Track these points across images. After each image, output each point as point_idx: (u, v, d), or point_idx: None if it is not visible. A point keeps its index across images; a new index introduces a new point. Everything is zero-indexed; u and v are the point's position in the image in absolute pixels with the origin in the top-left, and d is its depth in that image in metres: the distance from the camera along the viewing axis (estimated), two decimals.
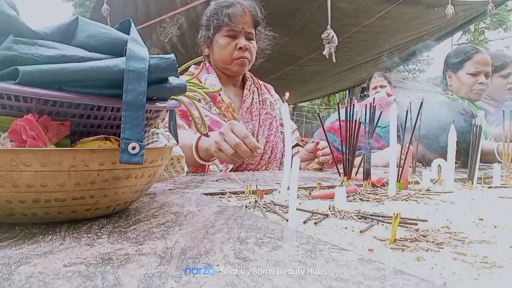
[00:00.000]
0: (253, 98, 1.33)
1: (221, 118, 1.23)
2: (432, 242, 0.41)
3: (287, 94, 0.72)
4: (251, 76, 1.39)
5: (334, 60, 2.54)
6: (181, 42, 3.65)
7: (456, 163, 0.85)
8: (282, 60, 4.46)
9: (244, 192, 0.70)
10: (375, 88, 2.75)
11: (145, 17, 3.28)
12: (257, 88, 1.38)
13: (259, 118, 1.31)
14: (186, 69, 1.12)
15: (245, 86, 1.34)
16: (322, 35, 2.53)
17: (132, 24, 0.50)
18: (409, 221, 0.49)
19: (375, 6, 3.53)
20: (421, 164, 1.24)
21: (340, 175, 0.88)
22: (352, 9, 3.47)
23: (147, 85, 0.44)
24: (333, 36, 2.48)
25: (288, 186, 0.63)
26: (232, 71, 1.25)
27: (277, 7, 3.22)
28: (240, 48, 1.20)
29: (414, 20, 3.89)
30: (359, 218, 0.52)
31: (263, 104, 1.36)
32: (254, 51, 1.25)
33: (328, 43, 2.48)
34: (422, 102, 0.92)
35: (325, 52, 2.53)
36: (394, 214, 0.41)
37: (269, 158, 1.32)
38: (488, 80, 1.75)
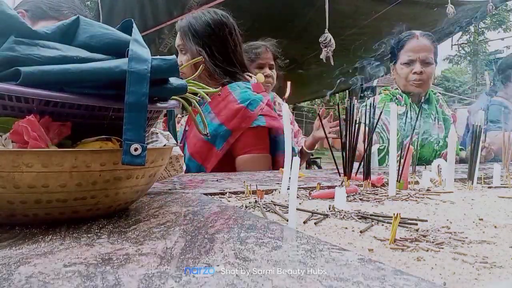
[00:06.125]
0: None
1: None
2: (432, 242, 0.41)
3: (287, 92, 0.75)
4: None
5: (332, 63, 2.54)
6: None
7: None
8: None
9: (244, 192, 0.70)
10: None
11: (143, 30, 3.29)
12: (274, 104, 1.70)
13: None
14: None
15: None
16: (320, 39, 2.54)
17: (134, 25, 0.50)
18: (409, 221, 0.49)
19: (374, 7, 3.53)
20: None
21: (340, 175, 0.88)
22: (351, 11, 3.47)
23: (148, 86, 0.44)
24: (330, 40, 2.49)
25: (288, 186, 0.63)
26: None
27: (277, 11, 3.23)
28: (266, 75, 1.63)
29: (413, 21, 3.89)
30: (359, 218, 0.52)
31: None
32: (275, 76, 1.72)
33: (326, 47, 2.49)
34: (421, 102, 0.92)
35: (322, 56, 2.54)
36: (394, 214, 0.41)
37: None
38: (430, 68, 1.51)
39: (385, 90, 1.65)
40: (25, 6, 1.09)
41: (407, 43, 1.54)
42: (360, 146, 0.80)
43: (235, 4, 3.25)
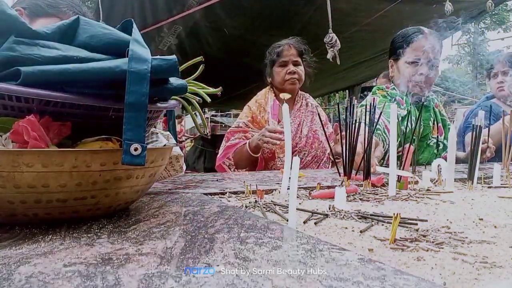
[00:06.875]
0: (301, 110, 1.72)
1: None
2: (432, 242, 0.41)
3: (287, 95, 0.77)
4: (303, 97, 1.76)
5: (338, 62, 2.53)
6: (180, 50, 3.67)
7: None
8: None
9: (244, 192, 0.70)
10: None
11: (142, 28, 3.29)
12: (306, 105, 1.75)
13: (302, 116, 1.71)
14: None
15: (294, 102, 1.73)
16: (325, 39, 2.53)
17: (134, 25, 0.50)
18: (409, 221, 0.49)
19: (374, 5, 3.53)
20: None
21: (340, 175, 0.88)
22: (351, 9, 3.46)
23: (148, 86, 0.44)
24: (336, 40, 2.49)
25: (288, 186, 0.63)
26: (286, 89, 1.65)
27: (276, 11, 3.22)
28: (290, 72, 1.63)
29: (413, 18, 3.90)
30: (359, 218, 0.52)
31: (306, 107, 1.76)
32: (302, 73, 1.65)
33: (332, 47, 2.48)
34: (422, 103, 0.92)
35: (329, 56, 2.53)
36: (394, 214, 0.41)
37: (316, 151, 1.63)
38: (436, 70, 1.39)
39: (379, 90, 1.51)
40: (23, 4, 1.09)
41: (415, 40, 1.38)
42: (358, 158, 0.80)
43: (235, 3, 3.25)
